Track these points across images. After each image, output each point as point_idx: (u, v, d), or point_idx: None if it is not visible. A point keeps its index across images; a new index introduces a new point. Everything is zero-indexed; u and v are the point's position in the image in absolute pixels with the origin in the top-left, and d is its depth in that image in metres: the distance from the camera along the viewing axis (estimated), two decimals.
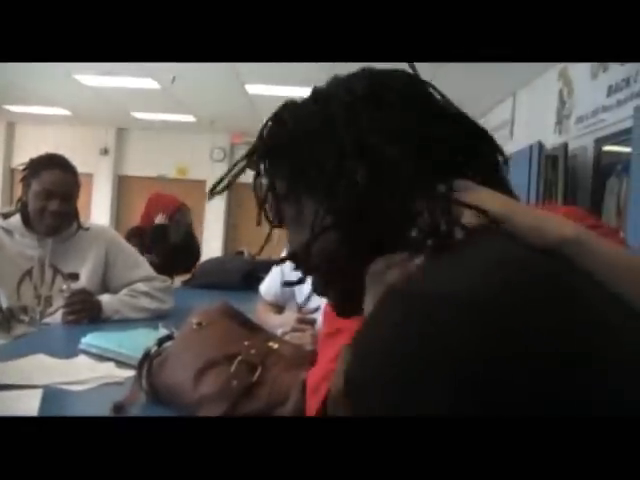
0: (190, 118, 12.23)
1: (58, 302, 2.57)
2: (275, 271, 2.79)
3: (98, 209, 13.29)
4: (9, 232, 2.63)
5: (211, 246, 12.64)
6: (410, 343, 0.54)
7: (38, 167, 2.61)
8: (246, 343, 1.37)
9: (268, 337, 1.45)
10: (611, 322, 0.57)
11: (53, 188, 2.56)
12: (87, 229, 2.72)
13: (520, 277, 0.56)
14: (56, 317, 2.54)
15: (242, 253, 4.79)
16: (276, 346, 1.39)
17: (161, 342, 1.47)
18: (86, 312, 2.47)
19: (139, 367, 1.44)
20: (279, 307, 2.80)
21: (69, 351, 1.94)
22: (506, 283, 0.55)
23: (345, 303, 0.86)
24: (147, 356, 1.44)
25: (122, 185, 14.33)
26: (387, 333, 0.57)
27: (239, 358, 1.34)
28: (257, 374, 1.31)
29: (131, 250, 2.82)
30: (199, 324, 1.42)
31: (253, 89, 9.30)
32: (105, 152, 14.02)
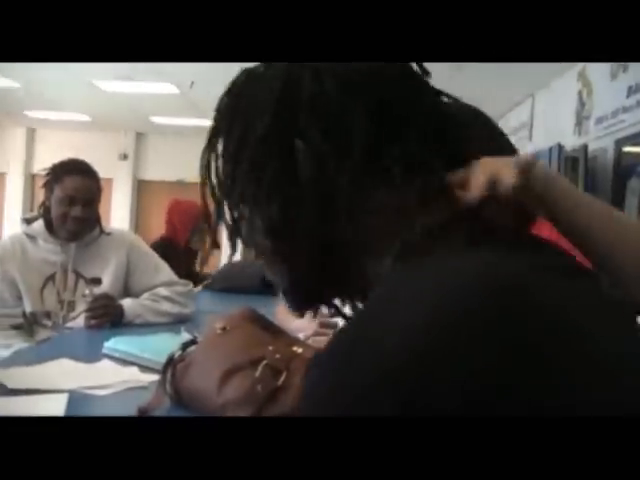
0: (209, 122, 12.25)
1: (81, 307, 2.59)
2: None
3: (118, 213, 13.35)
4: (32, 238, 2.66)
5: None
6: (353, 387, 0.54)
7: (60, 172, 2.63)
8: (270, 348, 1.37)
9: (291, 341, 1.45)
10: (583, 329, 0.56)
11: (75, 194, 2.58)
12: (109, 234, 2.74)
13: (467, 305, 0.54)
14: (79, 321, 2.55)
15: None
16: (300, 350, 1.39)
17: (185, 347, 1.48)
18: (108, 316, 2.49)
19: (163, 372, 1.45)
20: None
21: (92, 355, 1.95)
22: (457, 314, 0.53)
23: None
24: (171, 361, 1.45)
25: (141, 189, 14.40)
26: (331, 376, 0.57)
27: (264, 363, 1.34)
28: (282, 378, 1.32)
29: (152, 255, 2.84)
30: (223, 329, 1.42)
31: None
32: (124, 157, 14.10)
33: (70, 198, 2.58)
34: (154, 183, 14.21)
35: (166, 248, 3.83)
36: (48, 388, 1.59)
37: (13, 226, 13.94)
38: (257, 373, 1.33)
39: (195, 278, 4.17)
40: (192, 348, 1.47)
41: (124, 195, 13.92)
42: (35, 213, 2.76)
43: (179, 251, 4.14)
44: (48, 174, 2.70)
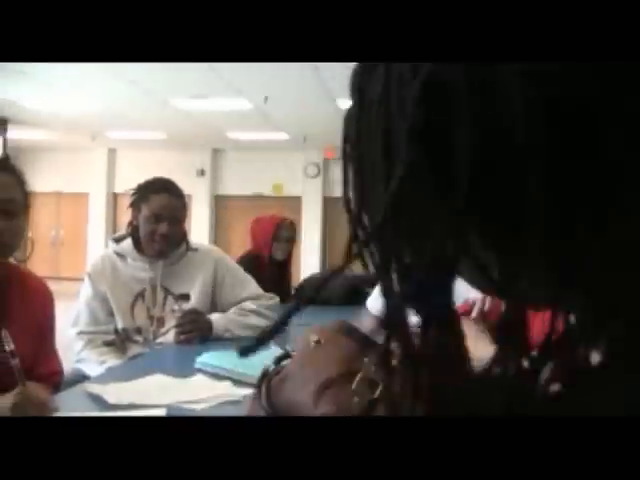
0: (283, 136, 12.39)
1: (170, 322, 2.63)
2: None
3: (197, 229, 13.58)
4: (122, 256, 2.72)
5: (308, 261, 12.74)
6: None
7: (147, 192, 2.69)
8: (366, 360, 1.36)
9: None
10: None
11: (162, 212, 2.63)
12: (195, 250, 2.79)
13: None
14: (168, 337, 2.60)
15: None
16: (395, 362, 1.38)
17: (279, 360, 1.48)
18: (197, 331, 2.53)
19: (258, 386, 1.45)
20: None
21: (185, 370, 1.98)
22: None
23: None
24: (266, 374, 1.46)
25: (219, 205, 14.62)
26: None
27: (360, 375, 1.34)
28: (379, 390, 1.31)
29: (238, 269, 2.87)
30: (317, 342, 1.42)
31: (345, 104, 9.33)
32: (202, 173, 14.35)
33: (157, 216, 2.63)
34: (231, 198, 14.41)
35: (252, 261, 3.93)
36: (146, 403, 1.62)
37: (96, 243, 14.34)
38: (353, 386, 1.33)
39: (286, 290, 4.22)
40: (286, 362, 1.48)
41: (202, 211, 14.15)
42: (123, 232, 2.82)
43: (265, 263, 4.20)
44: (134, 194, 2.76)
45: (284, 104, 9.57)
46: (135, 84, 8.51)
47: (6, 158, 1.88)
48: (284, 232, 4.45)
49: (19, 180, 1.82)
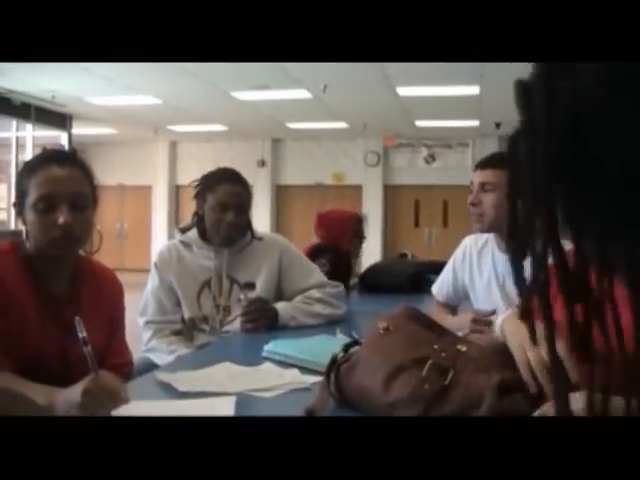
0: (343, 124, 12.38)
1: (236, 311, 2.65)
2: (447, 271, 2.77)
3: (259, 219, 13.69)
4: (188, 245, 2.75)
5: (370, 249, 12.73)
6: None
7: (212, 182, 2.71)
8: (435, 346, 1.36)
9: (455, 339, 1.43)
10: None
11: (228, 200, 2.65)
12: (260, 239, 2.80)
13: None
14: (235, 326, 2.62)
15: (405, 255, 4.78)
16: (464, 348, 1.37)
17: (347, 347, 1.48)
18: (263, 320, 2.54)
19: (327, 373, 1.46)
20: (452, 308, 2.77)
21: (253, 358, 1.99)
22: None
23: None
24: (335, 362, 1.46)
25: (280, 194, 14.70)
26: None
27: (430, 362, 1.33)
28: (449, 377, 1.30)
29: (303, 258, 2.88)
30: (386, 329, 1.42)
31: (404, 91, 9.28)
32: (262, 164, 14.44)
33: (223, 205, 2.65)
34: (292, 187, 14.48)
35: (333, 253, 3.79)
36: (216, 391, 1.63)
37: (159, 235, 14.55)
38: (423, 372, 1.32)
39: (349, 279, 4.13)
40: (354, 349, 1.48)
41: (264, 201, 14.24)
42: (189, 222, 2.85)
43: (344, 256, 4.05)
44: (199, 185, 2.78)
45: (343, 93, 9.55)
46: (196, 77, 8.59)
47: (74, 152, 1.91)
48: (363, 228, 4.43)
49: (87, 174, 1.85)
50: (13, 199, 1.86)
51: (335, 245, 4.05)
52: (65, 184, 1.76)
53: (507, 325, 1.51)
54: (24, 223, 1.82)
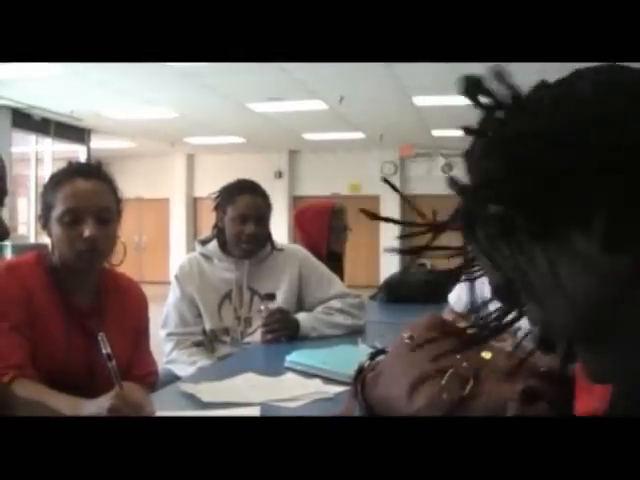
0: (359, 135, 12.39)
1: (257, 322, 2.66)
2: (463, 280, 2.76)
3: (276, 230, 13.61)
4: (208, 258, 2.77)
5: (388, 260, 12.72)
6: None
7: (232, 193, 2.73)
8: (458, 356, 1.36)
9: (481, 347, 1.43)
10: None
11: (248, 212, 2.67)
12: (281, 250, 2.82)
13: None
14: (256, 337, 2.63)
15: (424, 265, 4.76)
16: (489, 356, 1.37)
17: (373, 356, 1.49)
18: (284, 331, 2.55)
19: (354, 382, 1.47)
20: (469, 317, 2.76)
21: (276, 369, 2.00)
22: None
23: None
24: (361, 371, 1.47)
25: (297, 205, 14.69)
26: None
27: (450, 371, 1.33)
28: (469, 387, 1.30)
29: (323, 268, 2.88)
30: (410, 338, 1.43)
31: (420, 101, 9.28)
32: (279, 175, 14.47)
33: (243, 216, 2.67)
34: (309, 198, 14.44)
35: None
36: (240, 401, 1.64)
37: (178, 247, 14.60)
38: (443, 381, 1.32)
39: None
40: (380, 358, 1.48)
41: (281, 212, 14.22)
42: (209, 235, 2.87)
43: (322, 258, 3.50)
44: (217, 197, 2.80)
45: (359, 103, 9.56)
46: (211, 89, 8.64)
47: (99, 166, 1.93)
48: (341, 219, 3.98)
49: (112, 187, 1.88)
50: (38, 212, 1.88)
51: (313, 247, 3.55)
52: (91, 198, 1.79)
53: None
54: (49, 235, 1.84)
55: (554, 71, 0.74)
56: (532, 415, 1.22)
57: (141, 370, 1.92)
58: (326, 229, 3.86)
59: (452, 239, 0.77)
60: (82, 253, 1.77)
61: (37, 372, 1.67)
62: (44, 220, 1.83)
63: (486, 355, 1.37)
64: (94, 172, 1.86)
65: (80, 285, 1.85)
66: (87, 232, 1.74)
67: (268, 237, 2.80)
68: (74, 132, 11.74)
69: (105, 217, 1.80)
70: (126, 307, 1.96)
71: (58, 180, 1.82)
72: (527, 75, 0.71)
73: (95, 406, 1.38)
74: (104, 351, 1.38)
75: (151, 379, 1.96)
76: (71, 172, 1.84)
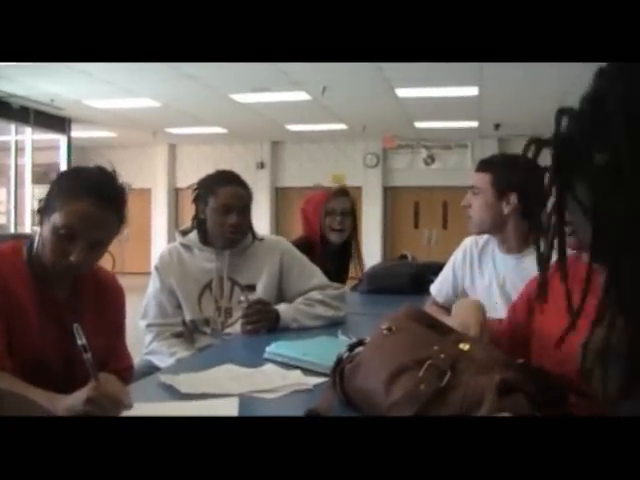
0: (342, 126, 12.38)
1: (237, 313, 2.65)
2: (446, 272, 2.77)
3: (258, 221, 13.61)
4: (188, 248, 2.75)
5: (369, 251, 12.72)
6: None
7: (213, 184, 2.71)
8: (435, 348, 1.36)
9: (459, 338, 1.43)
10: None
11: (231, 202, 2.66)
12: (261, 240, 2.81)
13: None
14: (236, 328, 2.62)
15: (406, 257, 4.77)
16: (467, 347, 1.37)
17: (352, 348, 1.49)
18: (264, 322, 2.54)
19: (333, 373, 1.47)
20: (448, 309, 2.77)
21: (255, 360, 2.00)
22: None
23: None
24: (340, 362, 1.47)
25: (279, 197, 14.71)
26: None
27: (428, 363, 1.33)
28: (446, 379, 1.30)
29: (304, 260, 2.87)
30: (389, 329, 1.42)
31: (403, 92, 9.28)
32: (261, 166, 14.44)
33: (225, 207, 2.65)
34: (291, 189, 14.47)
35: (303, 248, 3.08)
36: (219, 392, 1.64)
37: (159, 238, 14.54)
38: (421, 373, 1.33)
39: (343, 275, 3.82)
40: (359, 349, 1.48)
41: (263, 203, 14.24)
42: (189, 225, 2.85)
43: (316, 246, 3.60)
44: (197, 188, 2.78)
45: (342, 95, 9.55)
46: (194, 79, 8.60)
47: (120, 193, 1.83)
48: (338, 203, 3.73)
49: (120, 217, 1.82)
50: (39, 205, 1.81)
51: (309, 239, 3.66)
52: (91, 226, 1.73)
53: (456, 308, 1.81)
54: (41, 233, 1.79)
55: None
56: (509, 406, 1.22)
57: (117, 364, 1.91)
58: (317, 213, 3.73)
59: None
60: (63, 268, 1.75)
61: (12, 363, 1.65)
62: (41, 217, 1.78)
63: (464, 347, 1.37)
64: (109, 199, 1.77)
65: (57, 277, 1.83)
66: (74, 257, 1.72)
67: (249, 227, 2.79)
68: (54, 121, 11.64)
69: (96, 247, 1.76)
70: (104, 301, 1.95)
71: (70, 190, 1.75)
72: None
73: (73, 398, 1.37)
74: (79, 342, 1.36)
75: (127, 373, 1.95)
76: (86, 190, 1.74)
